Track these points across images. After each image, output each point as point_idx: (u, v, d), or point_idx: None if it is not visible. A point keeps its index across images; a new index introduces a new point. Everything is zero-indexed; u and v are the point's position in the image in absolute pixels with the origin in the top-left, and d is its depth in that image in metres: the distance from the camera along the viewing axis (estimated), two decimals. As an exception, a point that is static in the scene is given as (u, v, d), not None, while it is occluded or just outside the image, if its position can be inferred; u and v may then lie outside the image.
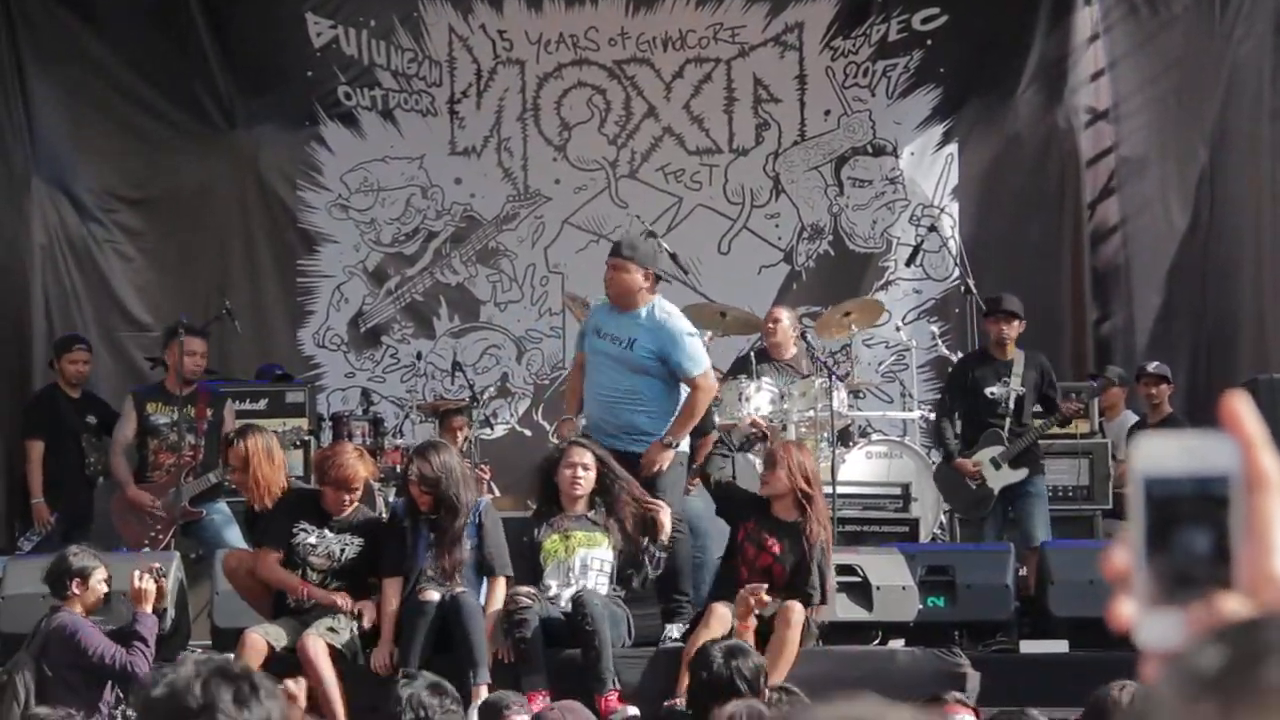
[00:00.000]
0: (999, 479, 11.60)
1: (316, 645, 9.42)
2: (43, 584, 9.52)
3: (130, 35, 14.76)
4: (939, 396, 12.17)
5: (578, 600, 9.46)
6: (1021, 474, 11.67)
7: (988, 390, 11.77)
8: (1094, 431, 12.76)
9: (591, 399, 10.40)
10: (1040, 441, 11.94)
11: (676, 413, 10.14)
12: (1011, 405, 11.74)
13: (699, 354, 10.27)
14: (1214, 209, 14.40)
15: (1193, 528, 1.45)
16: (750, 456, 11.22)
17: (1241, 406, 1.47)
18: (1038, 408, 11.93)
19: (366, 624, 9.70)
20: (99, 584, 9.39)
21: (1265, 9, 13.93)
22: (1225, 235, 14.33)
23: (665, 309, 10.26)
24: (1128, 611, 1.46)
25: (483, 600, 9.82)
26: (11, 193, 14.38)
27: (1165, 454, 1.47)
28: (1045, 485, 11.94)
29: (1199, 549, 1.45)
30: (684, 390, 10.20)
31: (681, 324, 10.33)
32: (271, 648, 9.46)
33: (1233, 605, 1.43)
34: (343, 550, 9.85)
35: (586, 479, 9.75)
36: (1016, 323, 11.90)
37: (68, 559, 9.46)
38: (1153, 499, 1.46)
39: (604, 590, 9.65)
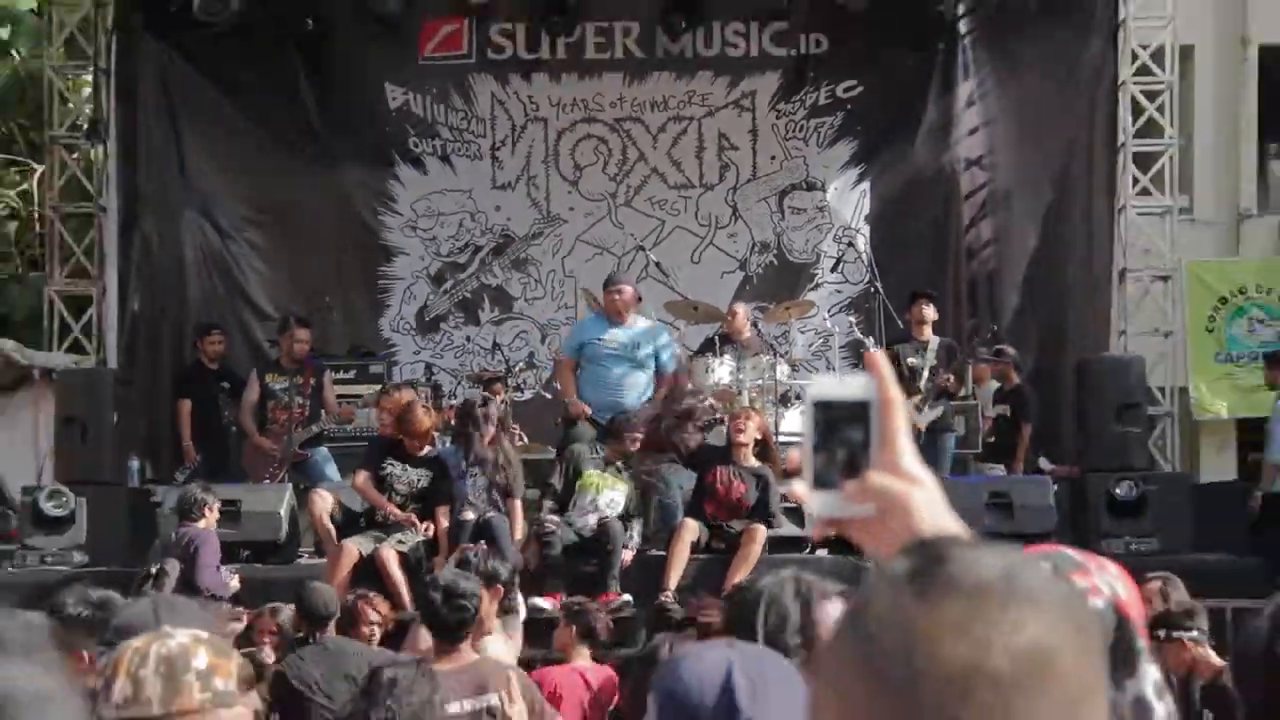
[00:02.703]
0: (921, 419, 12.16)
1: (388, 554, 10.28)
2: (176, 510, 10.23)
3: (255, 100, 15.57)
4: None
5: (604, 526, 10.34)
6: (938, 411, 12.16)
7: (909, 360, 12.26)
8: (968, 395, 13.31)
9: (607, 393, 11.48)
10: (951, 404, 12.38)
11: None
12: (926, 373, 12.30)
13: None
14: (1056, 232, 15.32)
15: (847, 430, 1.63)
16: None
17: (879, 359, 1.65)
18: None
19: (430, 536, 10.51)
20: (216, 509, 10.20)
21: (1090, 83, 14.99)
22: (1062, 252, 15.30)
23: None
24: (801, 491, 1.62)
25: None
26: (170, 223, 15.39)
27: (829, 384, 1.65)
28: (953, 442, 12.50)
29: (851, 443, 1.63)
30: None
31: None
32: (360, 553, 10.35)
33: (875, 482, 1.61)
34: (419, 480, 10.70)
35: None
36: (933, 305, 12.48)
37: (198, 493, 10.23)
38: (819, 411, 1.65)
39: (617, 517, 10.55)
